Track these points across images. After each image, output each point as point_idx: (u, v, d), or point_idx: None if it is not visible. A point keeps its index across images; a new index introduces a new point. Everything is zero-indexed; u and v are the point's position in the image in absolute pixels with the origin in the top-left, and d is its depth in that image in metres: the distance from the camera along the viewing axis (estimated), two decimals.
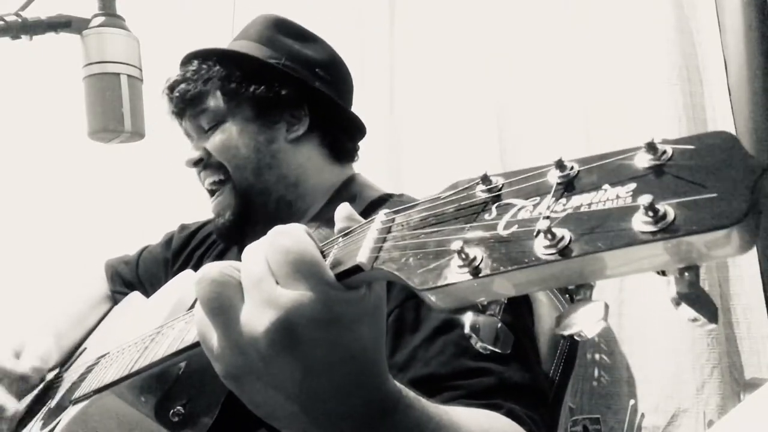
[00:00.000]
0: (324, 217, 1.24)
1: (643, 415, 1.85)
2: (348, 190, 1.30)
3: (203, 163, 1.28)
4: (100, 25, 1.36)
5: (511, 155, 2.09)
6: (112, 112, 1.33)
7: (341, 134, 1.35)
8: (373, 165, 1.41)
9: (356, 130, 1.37)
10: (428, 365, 0.91)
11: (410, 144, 2.20)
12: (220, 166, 1.27)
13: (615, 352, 1.91)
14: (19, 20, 1.30)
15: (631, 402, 1.85)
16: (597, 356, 1.94)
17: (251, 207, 1.26)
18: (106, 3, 1.37)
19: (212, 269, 0.60)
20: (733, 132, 1.74)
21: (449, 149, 2.13)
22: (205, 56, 1.31)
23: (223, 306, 0.58)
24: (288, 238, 0.58)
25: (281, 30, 1.33)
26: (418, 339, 0.95)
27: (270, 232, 0.60)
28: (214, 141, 1.27)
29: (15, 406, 1.13)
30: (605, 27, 1.96)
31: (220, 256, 1.39)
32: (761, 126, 1.70)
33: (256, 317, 0.56)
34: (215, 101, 1.27)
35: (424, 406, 0.66)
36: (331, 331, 0.56)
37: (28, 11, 1.33)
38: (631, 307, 1.87)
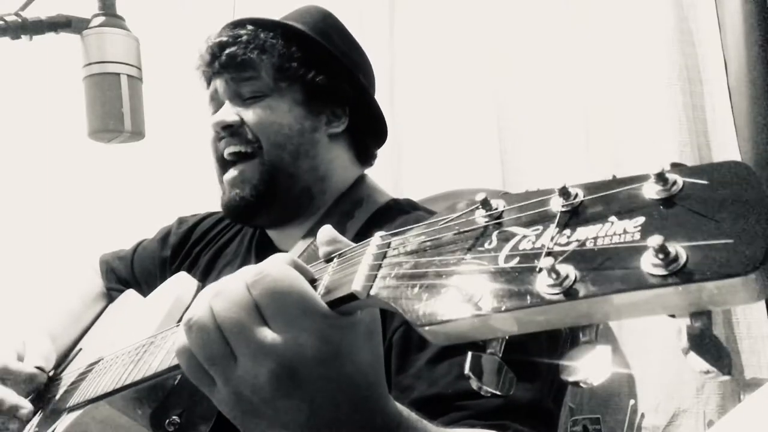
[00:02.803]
0: (325, 222, 1.22)
1: (643, 415, 1.84)
2: (356, 192, 1.29)
3: (233, 129, 1.22)
4: (100, 25, 1.35)
5: (511, 155, 2.09)
6: (112, 112, 1.32)
7: (371, 140, 1.35)
8: (372, 166, 1.41)
9: (382, 137, 1.37)
10: (434, 385, 0.90)
11: (410, 144, 2.20)
12: (250, 139, 1.21)
13: (615, 352, 1.91)
14: (19, 20, 1.30)
15: (631, 402, 1.85)
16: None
17: (275, 188, 1.21)
18: (106, 3, 1.37)
19: (199, 315, 0.58)
20: (733, 132, 1.74)
21: (449, 149, 2.13)
22: (264, 25, 1.25)
23: (215, 356, 0.57)
24: (272, 277, 0.56)
25: (331, 26, 1.32)
26: (424, 359, 0.93)
27: (250, 272, 0.57)
28: (257, 113, 1.21)
29: (29, 405, 1.13)
30: (605, 27, 1.96)
31: (218, 254, 1.38)
32: (761, 126, 1.70)
33: (254, 369, 0.55)
34: (266, 73, 1.22)
35: (426, 427, 0.66)
36: (333, 366, 0.56)
37: (28, 11, 1.32)
38: None
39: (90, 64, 1.34)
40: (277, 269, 0.57)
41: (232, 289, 0.57)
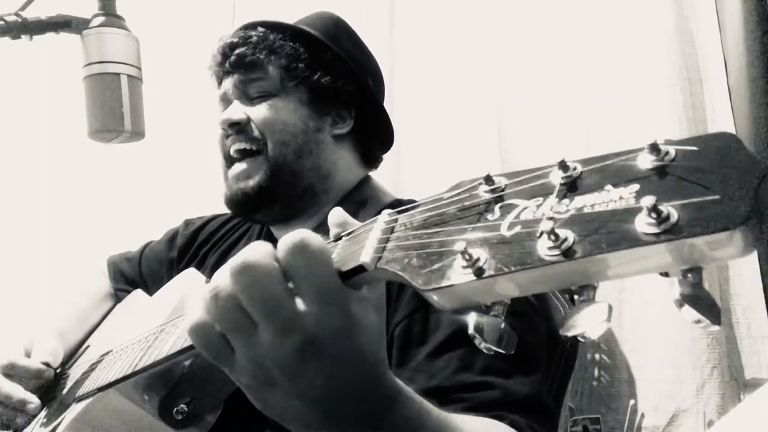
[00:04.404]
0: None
1: (643, 415, 1.84)
2: (360, 192, 1.30)
3: (239, 127, 1.25)
4: (100, 25, 1.35)
5: (511, 155, 2.09)
6: (112, 112, 1.33)
7: (376, 142, 1.37)
8: (377, 168, 1.41)
9: (388, 141, 1.38)
10: (433, 378, 0.92)
11: (410, 144, 2.20)
12: (256, 137, 1.24)
13: (615, 352, 1.91)
14: (19, 20, 1.30)
15: (631, 402, 1.85)
16: (597, 356, 1.94)
17: (278, 185, 1.23)
18: (106, 3, 1.37)
19: (224, 284, 0.58)
20: (734, 132, 1.75)
21: (449, 149, 2.13)
22: (274, 27, 1.29)
23: (239, 323, 0.58)
24: (314, 249, 0.56)
25: (342, 32, 1.35)
26: (424, 352, 0.95)
27: (289, 242, 0.56)
28: (262, 112, 1.24)
29: (36, 400, 1.14)
30: (605, 27, 1.96)
31: (225, 254, 1.38)
32: (761, 126, 1.70)
33: (281, 342, 0.56)
34: (273, 74, 1.25)
35: (423, 401, 0.68)
36: (352, 338, 0.58)
37: (28, 11, 1.32)
38: (631, 307, 1.87)
39: (90, 64, 1.34)
40: (317, 239, 0.57)
41: (261, 259, 0.56)
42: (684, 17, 1.89)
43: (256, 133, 1.23)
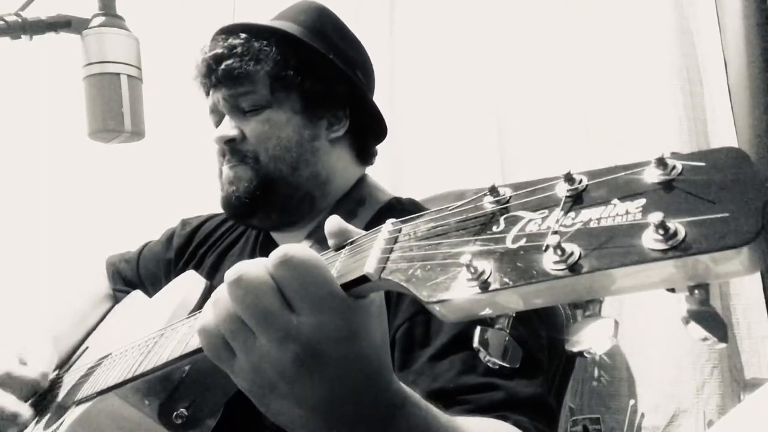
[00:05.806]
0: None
1: (643, 415, 1.84)
2: (358, 191, 1.28)
3: (234, 144, 1.22)
4: (100, 25, 1.35)
5: (510, 155, 2.09)
6: (112, 112, 1.32)
7: (371, 138, 1.34)
8: (372, 164, 1.41)
9: (382, 133, 1.36)
10: (436, 381, 0.92)
11: (410, 144, 2.20)
12: (250, 152, 1.21)
13: (615, 352, 1.92)
14: (19, 20, 1.29)
15: (631, 402, 1.85)
16: (597, 356, 1.94)
17: (274, 195, 1.21)
18: (106, 3, 1.37)
19: (224, 294, 0.59)
20: (733, 131, 1.75)
21: (449, 149, 2.13)
22: (257, 32, 1.23)
23: (239, 331, 0.59)
24: (298, 259, 0.56)
25: (327, 23, 1.29)
26: (427, 355, 0.95)
27: (275, 257, 0.57)
28: (257, 127, 1.21)
29: (28, 412, 1.12)
30: (605, 27, 1.97)
31: (223, 255, 1.38)
32: (761, 126, 1.70)
33: (279, 350, 0.57)
34: (263, 84, 1.21)
35: (429, 407, 0.68)
36: (352, 345, 0.58)
37: (28, 11, 1.32)
38: (631, 307, 1.87)
39: (90, 64, 1.34)
40: (302, 251, 0.57)
41: (254, 272, 0.58)
42: (684, 17, 1.90)
43: (251, 148, 1.21)
